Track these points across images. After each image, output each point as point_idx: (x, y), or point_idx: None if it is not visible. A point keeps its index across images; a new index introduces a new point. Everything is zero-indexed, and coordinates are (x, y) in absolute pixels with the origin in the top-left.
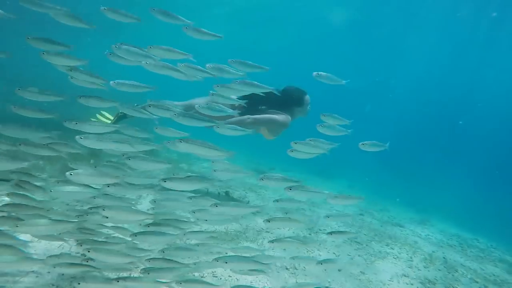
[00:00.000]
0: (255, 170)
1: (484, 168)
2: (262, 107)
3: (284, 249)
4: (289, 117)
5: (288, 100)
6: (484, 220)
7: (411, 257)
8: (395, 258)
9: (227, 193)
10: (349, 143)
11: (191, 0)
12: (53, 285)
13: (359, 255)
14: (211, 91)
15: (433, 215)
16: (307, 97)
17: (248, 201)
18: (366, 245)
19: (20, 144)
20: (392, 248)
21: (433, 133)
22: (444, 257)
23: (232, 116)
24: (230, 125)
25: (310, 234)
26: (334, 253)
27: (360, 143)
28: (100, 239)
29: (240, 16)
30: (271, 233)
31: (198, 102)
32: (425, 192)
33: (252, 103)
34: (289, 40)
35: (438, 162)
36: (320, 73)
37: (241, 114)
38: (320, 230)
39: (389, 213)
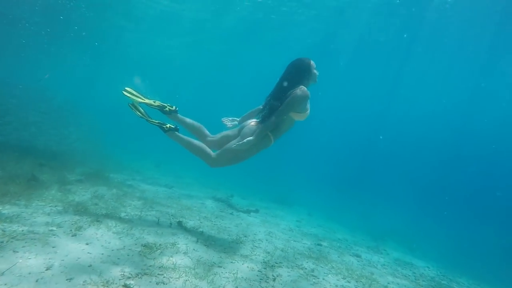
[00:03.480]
0: (213, 197)
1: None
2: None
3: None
4: (304, 87)
5: (294, 75)
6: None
7: None
8: None
9: (179, 223)
10: (307, 170)
11: None
12: None
13: None
14: None
15: (388, 242)
16: (312, 62)
17: (202, 232)
18: (323, 279)
19: None
20: (349, 282)
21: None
22: None
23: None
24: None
25: (265, 269)
26: None
27: None
28: None
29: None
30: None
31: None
32: (380, 216)
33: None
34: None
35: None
36: None
37: (262, 122)
38: (276, 264)
39: (347, 242)
